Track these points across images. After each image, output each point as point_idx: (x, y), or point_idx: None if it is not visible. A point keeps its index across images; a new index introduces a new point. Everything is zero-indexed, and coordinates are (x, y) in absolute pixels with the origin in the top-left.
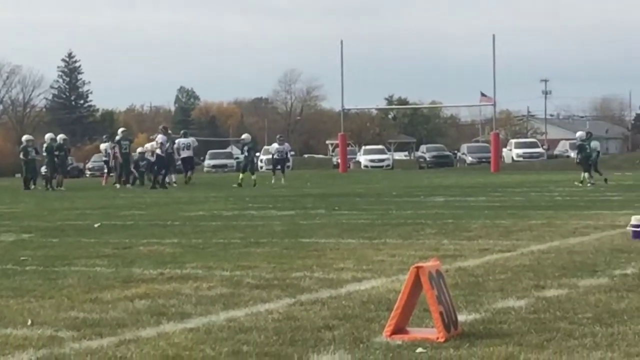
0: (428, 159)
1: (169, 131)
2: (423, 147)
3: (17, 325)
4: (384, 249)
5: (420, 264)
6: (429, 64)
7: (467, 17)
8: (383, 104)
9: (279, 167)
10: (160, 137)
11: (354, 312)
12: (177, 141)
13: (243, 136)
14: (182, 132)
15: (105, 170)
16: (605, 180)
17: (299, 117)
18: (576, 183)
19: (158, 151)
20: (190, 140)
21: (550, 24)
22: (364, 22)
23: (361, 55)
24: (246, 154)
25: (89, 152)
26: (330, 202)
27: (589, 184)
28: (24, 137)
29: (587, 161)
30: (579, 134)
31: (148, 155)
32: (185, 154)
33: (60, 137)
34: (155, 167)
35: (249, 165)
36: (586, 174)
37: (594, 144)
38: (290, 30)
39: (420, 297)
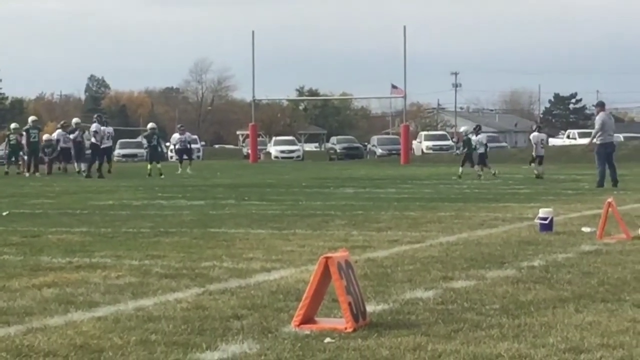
0: (338, 151)
1: (104, 119)
2: (333, 139)
3: None
4: (294, 239)
5: (329, 255)
6: (340, 55)
7: (378, 9)
8: (294, 95)
9: (185, 156)
10: (94, 126)
11: (262, 302)
12: (101, 129)
13: (149, 126)
14: (95, 116)
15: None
16: (480, 176)
17: (209, 107)
18: (489, 176)
19: (93, 140)
20: (111, 129)
21: (460, 17)
22: (276, 12)
23: (273, 46)
24: (155, 143)
25: None
26: (240, 192)
27: (479, 176)
28: None
29: (471, 155)
30: (463, 128)
31: (55, 142)
32: (107, 143)
33: (11, 125)
34: (91, 156)
35: (154, 155)
36: (476, 167)
37: (480, 137)
38: (202, 20)
39: (329, 287)
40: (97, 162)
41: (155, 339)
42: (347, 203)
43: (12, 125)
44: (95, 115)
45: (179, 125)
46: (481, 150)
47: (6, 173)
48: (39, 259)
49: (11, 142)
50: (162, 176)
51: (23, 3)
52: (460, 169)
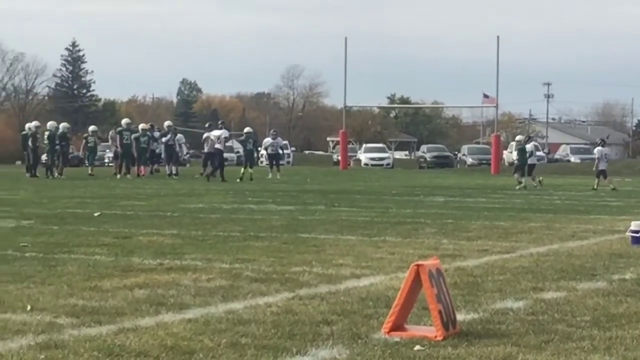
0: (428, 159)
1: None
2: (424, 147)
3: (17, 311)
4: (384, 246)
5: (420, 262)
6: (432, 64)
7: (471, 18)
8: (385, 103)
9: (274, 161)
10: (224, 132)
11: (352, 308)
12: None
13: (246, 130)
14: (220, 122)
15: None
16: (540, 181)
17: (300, 113)
18: (518, 188)
19: (218, 145)
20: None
21: (554, 28)
22: (369, 20)
23: (365, 53)
24: (251, 147)
25: None
26: (329, 198)
27: (536, 184)
28: (33, 124)
29: (525, 165)
30: (518, 137)
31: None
32: (212, 149)
33: (63, 125)
34: (217, 161)
35: (249, 160)
36: (527, 177)
37: (529, 146)
38: (295, 26)
39: (420, 295)
40: (213, 167)
41: (246, 342)
42: (437, 211)
43: (91, 128)
44: (220, 122)
45: (272, 131)
46: (532, 160)
47: (91, 174)
48: (130, 260)
49: (89, 145)
50: (252, 180)
51: (116, 6)
52: (523, 179)
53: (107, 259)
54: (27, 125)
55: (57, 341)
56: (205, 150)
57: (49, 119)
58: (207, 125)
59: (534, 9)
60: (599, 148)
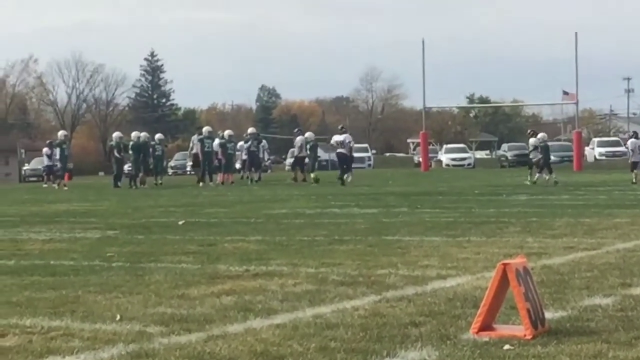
0: (510, 158)
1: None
2: (505, 146)
3: (106, 321)
4: (468, 246)
5: (507, 261)
6: (510, 62)
7: (549, 14)
8: (464, 103)
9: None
10: (347, 137)
11: (440, 309)
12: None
13: (306, 135)
14: (341, 127)
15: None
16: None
17: (380, 116)
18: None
19: (342, 150)
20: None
21: (632, 22)
22: (446, 20)
23: (442, 53)
24: (307, 152)
25: (171, 151)
26: (412, 200)
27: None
28: (116, 134)
29: (549, 162)
30: (541, 135)
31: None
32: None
33: (144, 135)
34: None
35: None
36: (550, 175)
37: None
38: (372, 29)
39: (507, 294)
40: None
41: (335, 346)
42: (520, 210)
43: (157, 136)
44: (341, 127)
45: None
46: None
47: (160, 184)
48: (216, 267)
49: (157, 153)
50: (314, 184)
51: (192, 13)
52: (537, 175)
53: (194, 266)
54: (114, 135)
55: (147, 350)
56: (296, 154)
57: (130, 130)
58: (295, 130)
59: (612, 3)
60: (633, 140)
